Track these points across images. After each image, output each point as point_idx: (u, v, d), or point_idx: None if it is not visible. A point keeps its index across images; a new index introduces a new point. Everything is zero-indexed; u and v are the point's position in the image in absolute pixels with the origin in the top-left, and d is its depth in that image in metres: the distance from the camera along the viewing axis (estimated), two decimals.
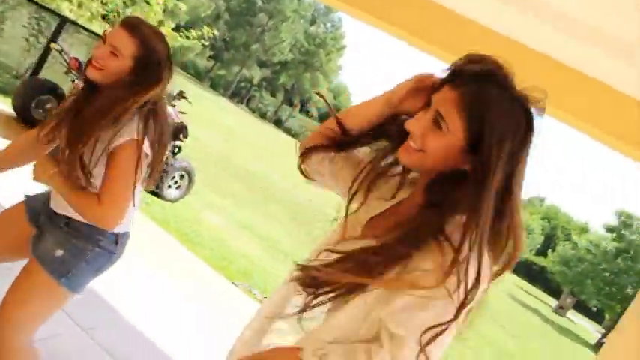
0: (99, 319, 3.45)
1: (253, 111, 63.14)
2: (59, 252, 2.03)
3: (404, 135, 1.29)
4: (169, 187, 7.63)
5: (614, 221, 34.45)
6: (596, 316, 48.77)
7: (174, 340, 3.78)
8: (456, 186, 1.22)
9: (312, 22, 64.71)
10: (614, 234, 33.99)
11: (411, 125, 1.27)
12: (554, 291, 55.73)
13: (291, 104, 67.40)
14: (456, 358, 9.63)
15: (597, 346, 28.67)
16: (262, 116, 63.80)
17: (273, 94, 69.00)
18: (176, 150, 7.57)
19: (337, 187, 1.55)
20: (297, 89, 65.80)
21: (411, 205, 1.35)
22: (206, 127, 18.91)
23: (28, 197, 2.29)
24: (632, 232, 33.28)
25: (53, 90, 7.57)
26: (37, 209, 2.23)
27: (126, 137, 1.95)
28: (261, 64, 63.20)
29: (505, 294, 27.90)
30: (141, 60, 2.01)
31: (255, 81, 64.37)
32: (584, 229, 61.33)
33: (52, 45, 7.67)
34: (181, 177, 7.76)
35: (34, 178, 2.06)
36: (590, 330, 37.46)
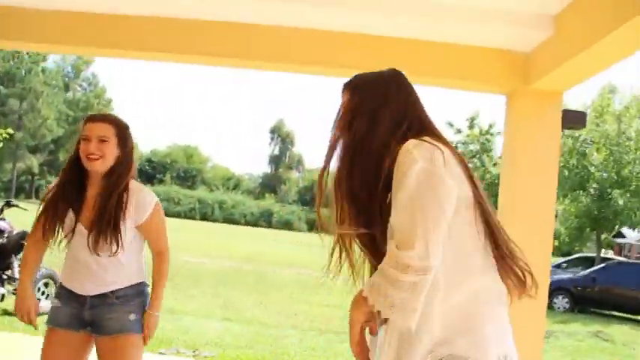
0: None
1: None
2: (132, 316, 2.48)
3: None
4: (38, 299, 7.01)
5: None
6: None
7: None
8: None
9: (67, 88, 61.52)
10: None
11: None
12: None
13: None
14: None
15: None
16: None
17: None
18: None
19: None
20: None
21: None
22: None
23: (54, 322, 2.49)
24: None
25: None
26: (73, 317, 2.47)
27: (153, 204, 2.47)
28: (34, 150, 58.86)
29: None
30: (121, 136, 2.43)
31: (36, 169, 59.78)
32: None
33: None
34: (46, 285, 7.22)
35: None
36: None
